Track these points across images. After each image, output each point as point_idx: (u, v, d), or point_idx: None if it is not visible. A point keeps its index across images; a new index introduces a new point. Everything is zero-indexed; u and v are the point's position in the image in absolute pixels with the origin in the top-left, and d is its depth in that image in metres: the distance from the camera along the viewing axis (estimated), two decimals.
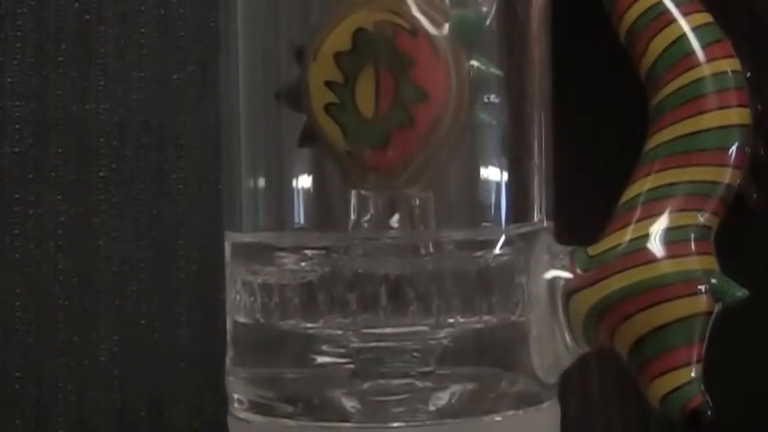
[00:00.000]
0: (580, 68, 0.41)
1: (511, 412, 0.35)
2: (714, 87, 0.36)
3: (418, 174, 0.34)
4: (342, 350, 0.34)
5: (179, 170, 0.46)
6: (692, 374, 0.35)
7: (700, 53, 0.36)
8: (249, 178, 0.37)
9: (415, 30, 0.33)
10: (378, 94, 0.33)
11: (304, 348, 0.34)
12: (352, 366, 0.34)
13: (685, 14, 0.36)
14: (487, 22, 0.35)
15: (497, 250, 0.34)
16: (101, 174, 0.46)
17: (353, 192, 0.35)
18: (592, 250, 0.36)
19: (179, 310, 0.46)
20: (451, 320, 0.34)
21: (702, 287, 0.35)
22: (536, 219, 0.36)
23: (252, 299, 0.35)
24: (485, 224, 0.35)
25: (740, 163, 0.36)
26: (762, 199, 0.36)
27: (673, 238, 0.35)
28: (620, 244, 0.36)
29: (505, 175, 0.35)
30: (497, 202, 0.35)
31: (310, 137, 0.34)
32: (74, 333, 0.46)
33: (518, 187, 0.36)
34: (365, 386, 0.34)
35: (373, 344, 0.34)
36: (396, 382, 0.34)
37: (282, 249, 0.35)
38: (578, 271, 0.36)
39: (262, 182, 0.37)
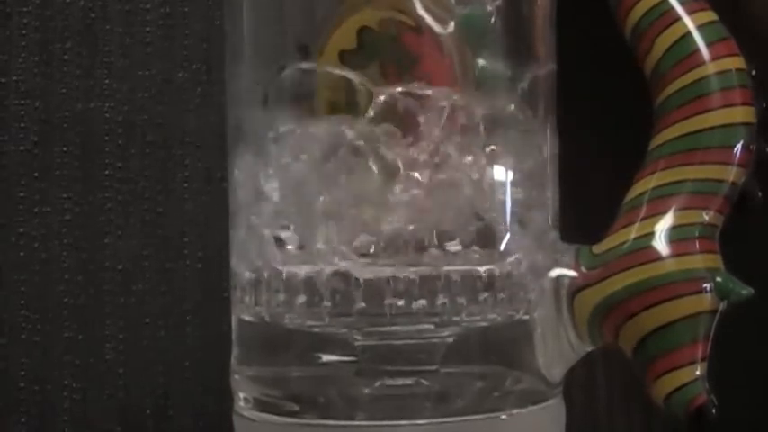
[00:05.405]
0: (585, 66, 0.41)
1: (516, 410, 0.35)
2: (718, 85, 0.36)
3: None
4: (347, 349, 0.34)
5: (184, 168, 0.46)
6: (697, 373, 0.35)
7: (704, 51, 0.36)
8: None
9: (420, 28, 0.33)
10: None
11: (309, 347, 0.34)
12: (356, 365, 0.34)
13: (690, 13, 0.36)
14: (492, 20, 0.35)
15: (502, 249, 0.34)
16: (106, 172, 0.46)
17: None
18: (596, 248, 0.36)
19: (184, 308, 0.46)
20: (456, 319, 0.34)
21: (707, 285, 0.35)
22: (540, 217, 0.36)
23: (257, 297, 0.35)
24: (489, 223, 0.35)
25: (745, 161, 0.36)
26: (765, 197, 0.36)
27: (677, 236, 0.35)
28: (624, 242, 0.36)
29: (510, 174, 0.35)
30: (502, 201, 0.35)
31: None
32: (79, 331, 0.46)
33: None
34: (370, 385, 0.34)
35: (378, 342, 0.34)
36: (400, 380, 0.34)
37: None
38: (583, 269, 0.36)
39: None
